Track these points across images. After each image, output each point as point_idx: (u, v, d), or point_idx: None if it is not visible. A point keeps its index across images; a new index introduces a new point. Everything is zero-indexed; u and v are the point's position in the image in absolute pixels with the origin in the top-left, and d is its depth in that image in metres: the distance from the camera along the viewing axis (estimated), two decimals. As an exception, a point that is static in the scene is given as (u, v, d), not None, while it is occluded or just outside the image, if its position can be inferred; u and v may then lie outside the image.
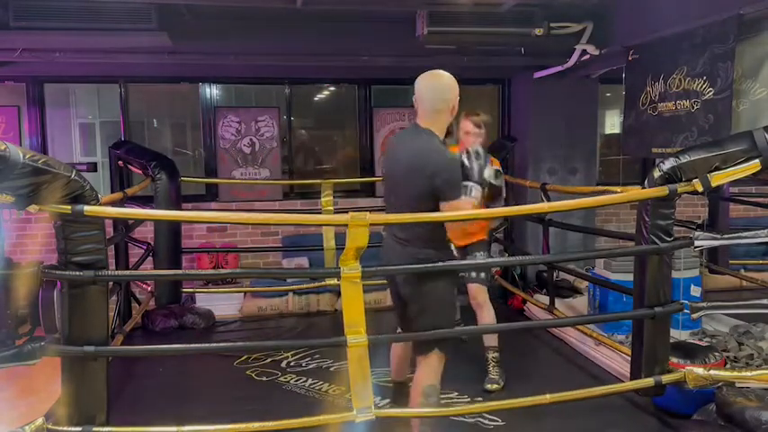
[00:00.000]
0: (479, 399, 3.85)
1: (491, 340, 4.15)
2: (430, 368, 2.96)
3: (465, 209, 2.82)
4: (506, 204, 6.38)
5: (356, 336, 2.96)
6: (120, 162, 5.66)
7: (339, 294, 3.33)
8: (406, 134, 3.04)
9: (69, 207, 2.72)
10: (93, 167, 6.33)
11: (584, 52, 5.31)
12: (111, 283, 3.55)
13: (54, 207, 2.71)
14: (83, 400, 2.92)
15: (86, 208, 2.75)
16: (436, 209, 2.80)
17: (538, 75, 6.30)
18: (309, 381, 4.27)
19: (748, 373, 3.35)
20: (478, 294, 4.06)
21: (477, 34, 5.01)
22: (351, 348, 2.97)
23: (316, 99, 7.44)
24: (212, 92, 6.81)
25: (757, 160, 3.02)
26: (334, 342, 3.23)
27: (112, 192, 5.41)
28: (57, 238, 2.82)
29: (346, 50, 5.52)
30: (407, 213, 2.82)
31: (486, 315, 4.04)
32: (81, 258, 2.83)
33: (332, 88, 7.39)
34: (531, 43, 5.17)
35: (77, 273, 2.81)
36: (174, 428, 2.92)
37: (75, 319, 2.86)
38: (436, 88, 2.86)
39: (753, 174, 3.07)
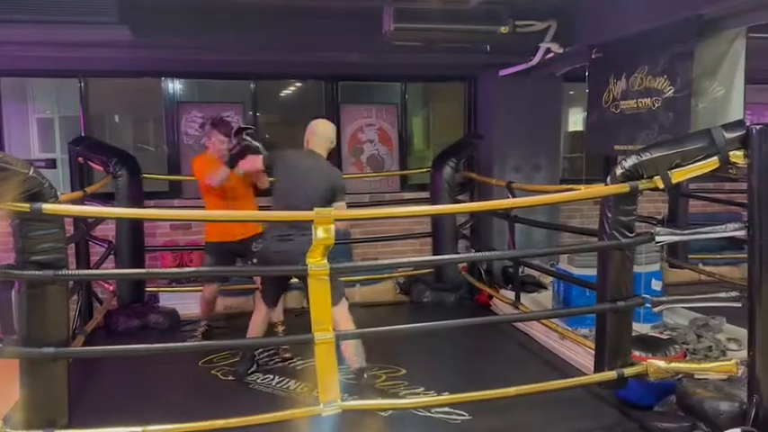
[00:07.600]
0: (446, 393, 3.87)
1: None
2: (341, 313, 3.86)
3: (344, 209, 3.97)
4: (471, 200, 6.51)
5: (324, 332, 2.97)
6: (80, 158, 5.53)
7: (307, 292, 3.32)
8: (303, 154, 4.16)
9: (27, 205, 2.66)
10: (51, 164, 6.19)
11: (548, 50, 5.38)
12: (71, 283, 3.48)
13: (11, 205, 2.65)
14: (43, 403, 2.87)
15: (45, 206, 2.69)
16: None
17: (503, 72, 6.35)
18: (276, 379, 4.25)
19: (707, 365, 3.45)
20: None
21: (443, 31, 5.03)
22: (318, 345, 2.98)
23: (282, 95, 7.36)
24: (175, 87, 6.69)
25: (716, 157, 3.10)
26: (302, 339, 3.23)
27: (72, 189, 5.28)
28: (14, 236, 2.76)
29: (312, 46, 5.48)
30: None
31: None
32: (40, 257, 2.76)
33: (298, 84, 7.33)
34: (496, 41, 5.20)
35: (36, 272, 2.75)
36: (140, 429, 2.88)
37: (33, 320, 2.80)
38: (330, 130, 4.23)
39: (712, 170, 3.15)
